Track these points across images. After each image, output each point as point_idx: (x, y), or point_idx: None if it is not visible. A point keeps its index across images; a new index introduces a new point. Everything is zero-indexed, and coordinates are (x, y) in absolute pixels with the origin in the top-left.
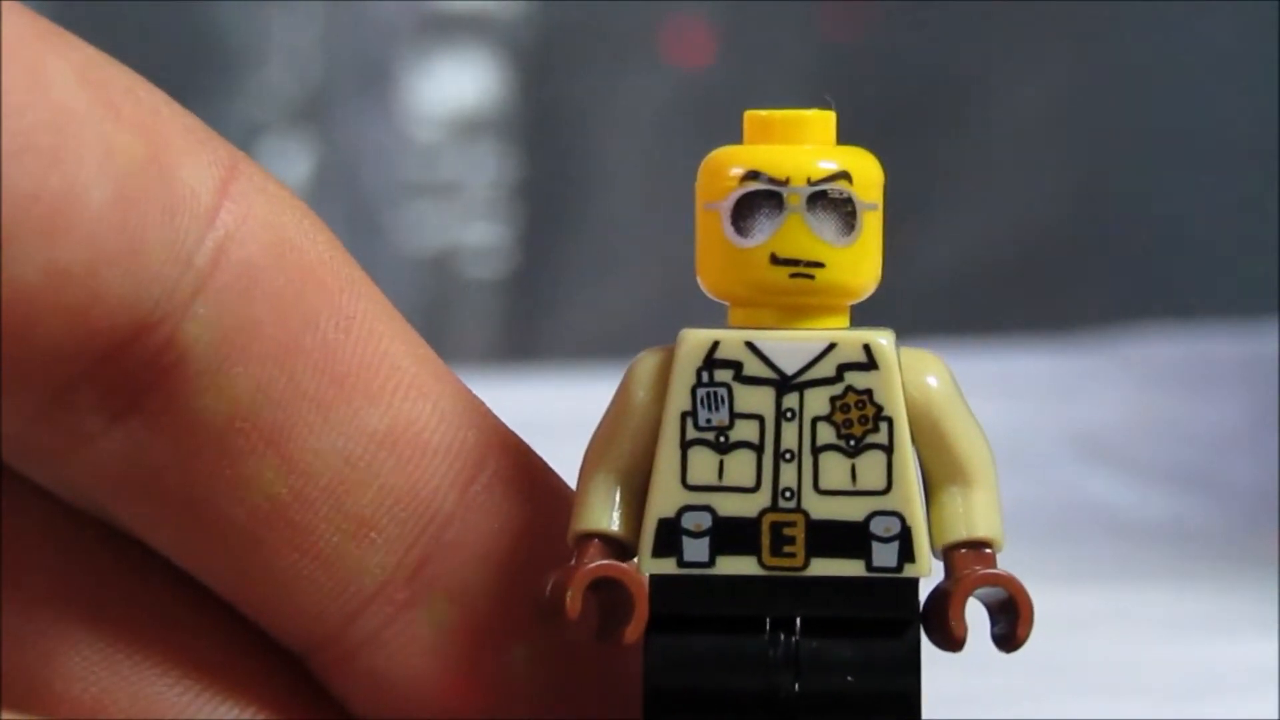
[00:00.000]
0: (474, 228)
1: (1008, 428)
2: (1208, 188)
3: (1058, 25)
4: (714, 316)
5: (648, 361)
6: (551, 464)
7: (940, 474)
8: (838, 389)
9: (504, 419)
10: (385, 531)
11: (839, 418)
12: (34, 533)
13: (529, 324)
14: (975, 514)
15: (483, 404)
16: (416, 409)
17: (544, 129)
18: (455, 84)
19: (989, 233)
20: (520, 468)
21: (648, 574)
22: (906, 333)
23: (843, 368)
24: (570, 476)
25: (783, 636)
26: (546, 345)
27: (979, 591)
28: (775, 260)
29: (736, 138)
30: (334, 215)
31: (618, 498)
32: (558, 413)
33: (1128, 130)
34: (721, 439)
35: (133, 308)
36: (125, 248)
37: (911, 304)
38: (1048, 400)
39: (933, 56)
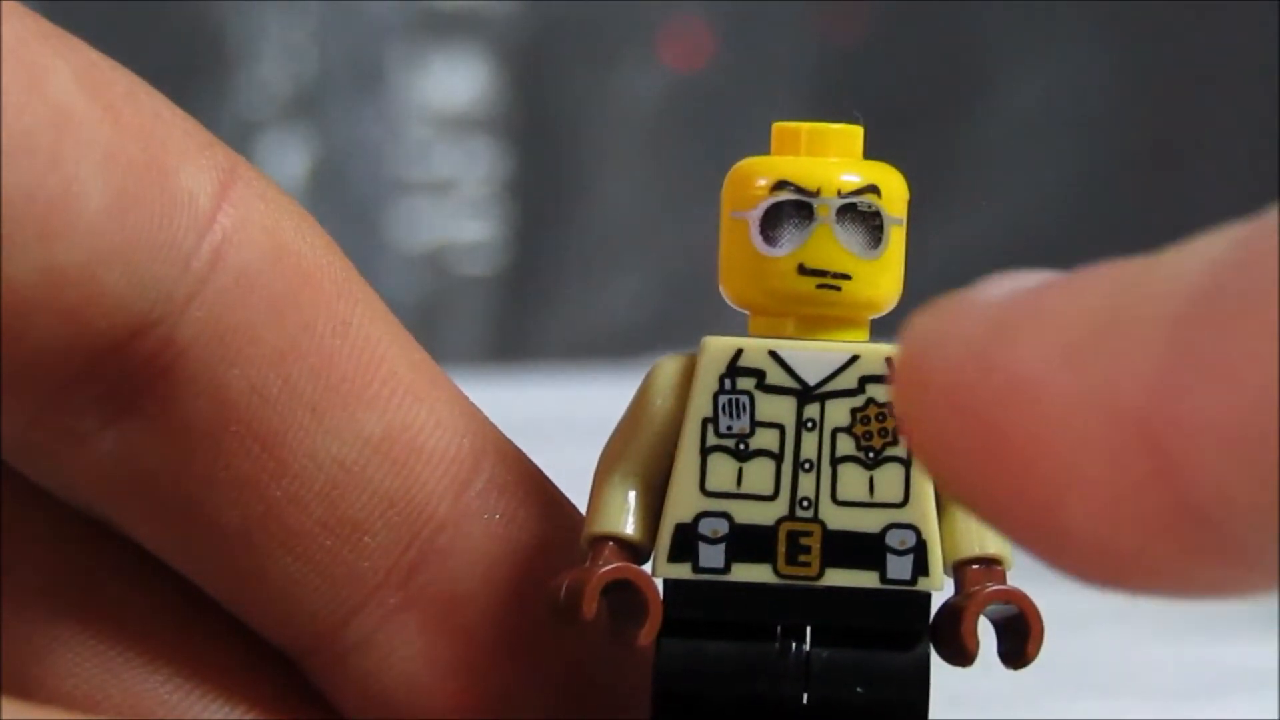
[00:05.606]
0: (467, 225)
1: None
2: (1208, 187)
3: (1056, 27)
4: (707, 317)
5: (668, 367)
6: (541, 463)
7: None
8: (859, 401)
9: (494, 418)
10: (378, 536)
11: (859, 429)
12: (27, 530)
13: (521, 321)
14: (987, 531)
15: (478, 410)
16: (412, 414)
17: (537, 127)
18: (449, 81)
19: (988, 233)
20: (515, 474)
21: (662, 578)
22: None
23: (865, 380)
24: (560, 476)
25: (794, 645)
26: (538, 343)
27: (988, 607)
28: (803, 270)
29: (733, 138)
30: (327, 212)
31: (633, 501)
32: (548, 412)
33: (1127, 130)
34: (741, 446)
35: (129, 309)
36: (122, 249)
37: (910, 304)
38: None
39: (930, 58)
